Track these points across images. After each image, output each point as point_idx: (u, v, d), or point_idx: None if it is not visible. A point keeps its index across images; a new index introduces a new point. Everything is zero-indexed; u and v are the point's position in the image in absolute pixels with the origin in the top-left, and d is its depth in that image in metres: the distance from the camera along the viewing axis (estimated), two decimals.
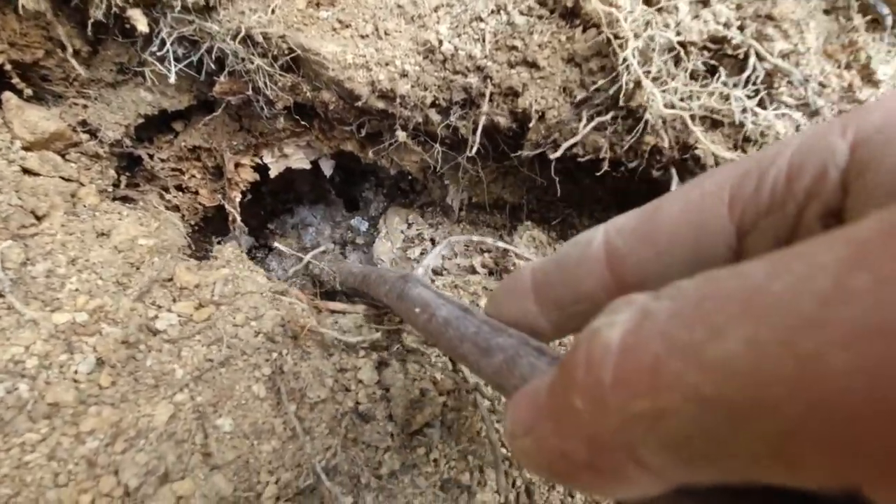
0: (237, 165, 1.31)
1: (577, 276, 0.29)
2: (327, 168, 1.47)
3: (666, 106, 0.75)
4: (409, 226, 1.45)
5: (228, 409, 0.85)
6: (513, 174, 1.31)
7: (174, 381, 0.85)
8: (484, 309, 0.39)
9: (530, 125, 0.99)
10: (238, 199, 1.36)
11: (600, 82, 0.92)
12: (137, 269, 0.99)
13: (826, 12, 0.83)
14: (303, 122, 1.23)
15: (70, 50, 1.01)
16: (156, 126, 1.31)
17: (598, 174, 1.00)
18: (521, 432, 0.22)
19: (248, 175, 1.33)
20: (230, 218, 1.39)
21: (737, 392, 0.13)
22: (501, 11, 1.06)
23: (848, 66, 0.84)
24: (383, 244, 1.45)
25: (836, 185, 0.21)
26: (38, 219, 1.00)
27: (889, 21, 0.81)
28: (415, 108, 1.10)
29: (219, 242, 1.53)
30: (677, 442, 0.15)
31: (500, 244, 1.23)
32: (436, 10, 1.10)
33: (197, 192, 1.39)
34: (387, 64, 1.08)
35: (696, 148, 0.85)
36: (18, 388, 0.73)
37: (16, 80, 1.04)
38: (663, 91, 0.76)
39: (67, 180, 1.12)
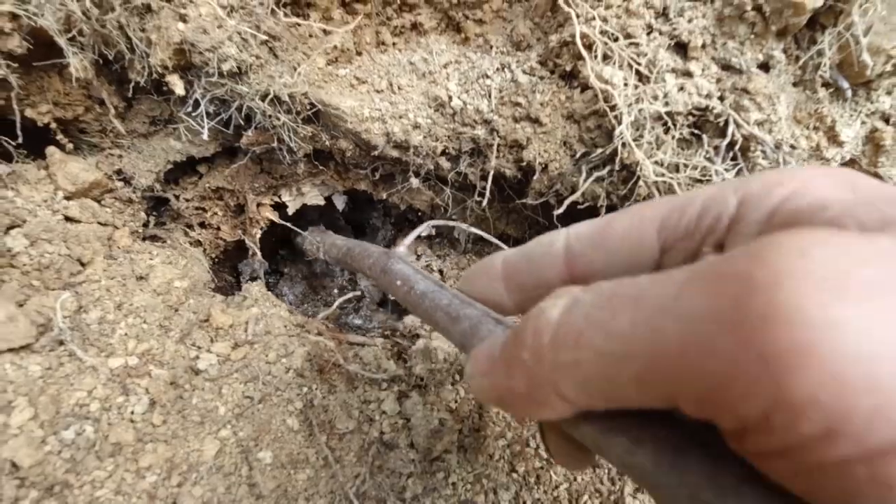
0: (258, 205, 1.40)
1: (541, 269, 0.38)
2: (340, 203, 1.57)
3: (656, 174, 0.85)
4: (418, 257, 1.55)
5: (267, 443, 0.94)
6: (516, 212, 1.41)
7: (218, 417, 0.94)
8: (457, 285, 0.49)
9: (534, 176, 1.09)
10: (258, 236, 1.45)
11: (598, 140, 1.02)
12: (176, 311, 1.08)
13: (794, 85, 0.94)
14: (320, 166, 1.32)
15: (112, 110, 1.09)
16: (181, 169, 1.40)
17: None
18: (478, 375, 0.32)
19: (269, 213, 1.42)
20: (250, 252, 1.48)
21: (620, 349, 0.22)
22: (506, 70, 1.16)
23: (816, 129, 0.95)
24: None
25: (724, 227, 0.29)
26: (83, 265, 1.08)
27: (849, 93, 0.92)
28: (427, 156, 1.20)
29: (237, 274, 1.62)
30: (586, 380, 0.24)
31: (474, 230, 1.34)
32: (445, 66, 1.20)
33: (218, 229, 1.48)
34: (400, 117, 1.18)
35: None
36: (86, 431, 0.82)
37: (59, 136, 1.13)
38: (653, 161, 0.86)
39: (104, 225, 1.21)
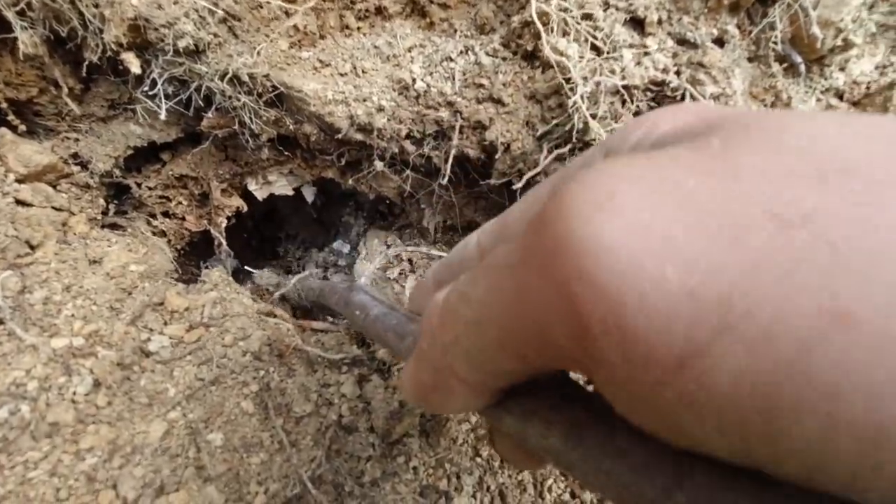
0: (223, 192, 1.37)
1: (461, 271, 0.37)
2: (309, 194, 1.55)
3: None
4: (389, 247, 1.53)
5: (219, 425, 0.91)
6: (484, 198, 1.40)
7: (167, 399, 0.90)
8: (406, 307, 0.51)
9: (497, 156, 1.09)
10: (224, 225, 1.42)
11: (559, 118, 1.02)
12: (129, 294, 1.05)
13: (749, 60, 0.94)
14: (286, 153, 1.31)
15: (65, 90, 1.07)
16: (143, 156, 1.37)
17: None
18: (404, 380, 0.32)
19: (235, 202, 1.40)
20: (216, 242, 1.45)
21: (479, 315, 0.22)
22: (469, 52, 1.16)
23: (773, 105, 0.96)
24: (363, 265, 1.52)
25: None
26: (33, 248, 1.05)
27: (802, 68, 0.93)
28: (391, 139, 1.19)
29: (205, 266, 1.58)
30: (467, 353, 0.23)
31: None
32: (409, 50, 1.20)
33: (183, 219, 1.45)
34: (364, 100, 1.17)
35: None
36: (21, 410, 0.78)
37: (11, 118, 1.10)
38: (609, 130, 0.86)
39: (59, 210, 1.17)
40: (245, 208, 1.45)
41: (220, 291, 1.13)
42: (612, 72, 0.91)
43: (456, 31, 1.21)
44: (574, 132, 0.93)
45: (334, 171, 1.41)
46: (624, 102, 0.92)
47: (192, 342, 0.99)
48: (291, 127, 1.22)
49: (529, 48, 1.07)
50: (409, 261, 1.49)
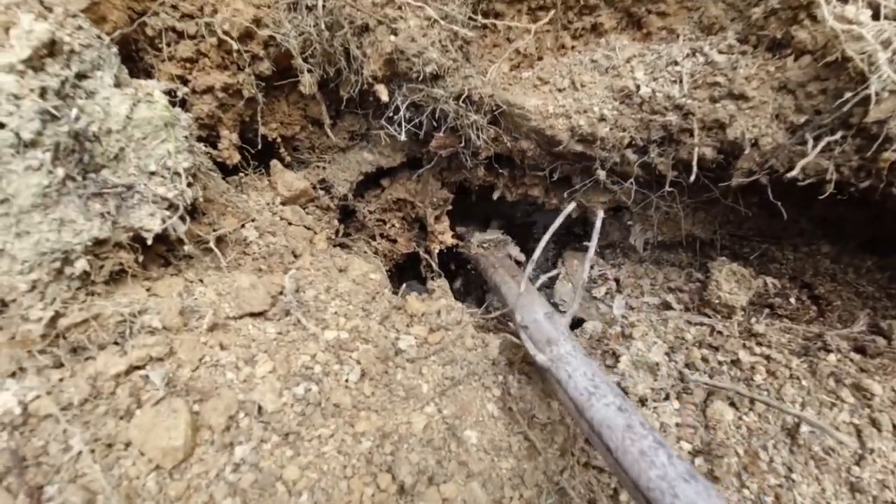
0: (436, 219, 1.46)
1: None
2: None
3: None
4: (592, 267, 1.48)
5: (470, 424, 0.91)
6: (704, 210, 1.30)
7: (421, 394, 0.93)
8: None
9: (744, 153, 1.00)
10: (437, 251, 1.50)
11: (822, 106, 0.92)
12: (373, 298, 1.13)
13: None
14: (501, 171, 1.36)
15: (327, 123, 1.24)
16: (364, 183, 1.53)
17: (821, 197, 0.97)
18: None
19: (447, 238, 1.47)
20: (423, 263, 1.53)
21: None
22: (697, 54, 1.12)
23: None
24: (564, 285, 1.49)
25: None
26: (295, 257, 1.20)
27: None
28: (612, 148, 1.17)
29: (404, 286, 1.68)
30: None
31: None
32: (629, 60, 1.19)
33: (395, 241, 1.57)
34: (585, 111, 1.17)
35: None
36: (312, 389, 0.86)
37: (283, 151, 1.30)
38: None
39: (308, 228, 1.34)
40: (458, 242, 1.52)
41: (447, 300, 1.17)
42: None
43: (678, 36, 1.17)
44: (870, 106, 0.82)
45: (540, 190, 1.43)
46: None
47: (435, 343, 1.03)
48: (508, 144, 1.27)
49: (778, 35, 0.99)
50: (616, 280, 1.42)
